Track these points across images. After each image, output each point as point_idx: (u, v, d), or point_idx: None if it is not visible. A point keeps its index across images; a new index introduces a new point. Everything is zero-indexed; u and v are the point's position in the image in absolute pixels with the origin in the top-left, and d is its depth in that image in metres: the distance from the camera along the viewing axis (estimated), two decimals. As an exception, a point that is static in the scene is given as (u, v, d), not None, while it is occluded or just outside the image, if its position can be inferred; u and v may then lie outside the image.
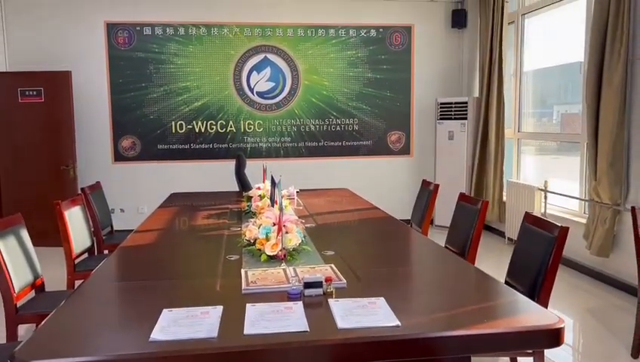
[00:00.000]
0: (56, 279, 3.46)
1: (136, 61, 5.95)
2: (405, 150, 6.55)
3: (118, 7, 5.88)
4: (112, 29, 5.89)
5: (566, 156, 5.46)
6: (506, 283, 2.38)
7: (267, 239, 2.36)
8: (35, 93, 5.51)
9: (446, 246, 3.08)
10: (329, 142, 6.39)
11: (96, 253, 3.71)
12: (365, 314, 1.63)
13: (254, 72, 6.19)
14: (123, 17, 5.89)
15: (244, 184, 4.84)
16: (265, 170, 4.06)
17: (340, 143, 6.42)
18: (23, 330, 3.10)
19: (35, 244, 2.76)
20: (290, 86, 6.27)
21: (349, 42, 6.31)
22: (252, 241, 2.46)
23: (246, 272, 2.10)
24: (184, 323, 1.59)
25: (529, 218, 2.49)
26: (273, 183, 2.95)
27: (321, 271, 2.08)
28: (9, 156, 5.59)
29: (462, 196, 3.24)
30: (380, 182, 6.43)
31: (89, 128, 5.94)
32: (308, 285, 1.81)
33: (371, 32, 6.33)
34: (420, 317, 1.71)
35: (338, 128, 6.39)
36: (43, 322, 1.65)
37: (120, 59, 5.92)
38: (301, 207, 3.71)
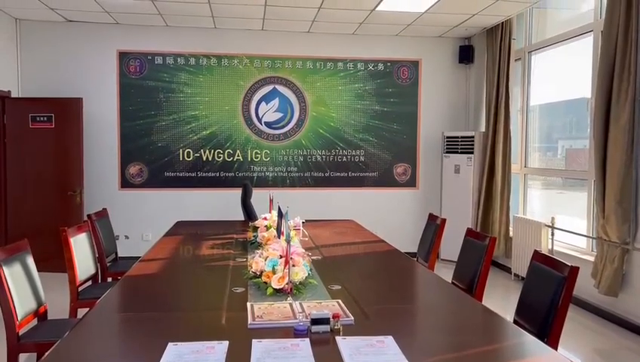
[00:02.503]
0: (58, 306, 3.43)
1: (147, 89, 6.04)
2: (411, 182, 6.56)
3: (131, 36, 6.00)
4: (124, 57, 6.00)
5: (572, 191, 5.45)
6: (515, 322, 2.34)
7: (273, 272, 2.34)
8: (45, 118, 5.58)
9: (453, 282, 3.05)
10: (335, 172, 6.42)
11: (100, 281, 3.69)
12: (374, 354, 1.61)
13: (263, 103, 6.27)
14: (135, 47, 6.01)
15: (250, 213, 4.88)
16: (272, 200, 4.06)
17: (346, 174, 6.44)
18: (24, 359, 3.06)
19: (39, 269, 2.75)
20: (298, 117, 6.33)
21: (356, 75, 6.40)
22: (258, 274, 2.44)
23: (252, 306, 2.08)
24: (189, 358, 1.57)
25: (538, 256, 2.46)
26: (280, 214, 2.94)
27: (328, 306, 2.06)
28: (17, 180, 5.63)
29: (469, 232, 3.22)
30: (386, 214, 6.43)
31: (97, 154, 5.99)
32: (315, 321, 1.79)
33: (379, 66, 6.42)
34: (430, 358, 1.68)
35: (344, 159, 6.43)
36: (46, 354, 1.63)
37: (131, 87, 6.01)
38: (307, 238, 3.70)
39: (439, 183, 6.49)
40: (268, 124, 6.29)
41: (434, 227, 3.74)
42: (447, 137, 6.33)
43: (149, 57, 6.04)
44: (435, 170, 6.55)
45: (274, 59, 6.25)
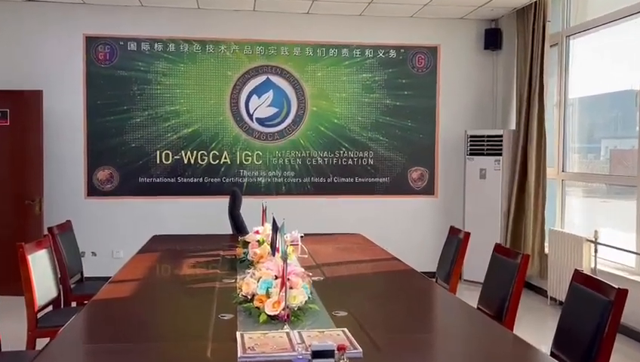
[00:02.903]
0: (13, 335, 3.41)
1: (118, 80, 6.04)
2: (429, 189, 6.56)
3: (100, 18, 5.99)
4: (91, 43, 6.01)
5: (619, 200, 5.44)
6: (552, 354, 2.34)
7: (267, 295, 2.34)
8: (-1, 114, 5.59)
9: (478, 307, 3.05)
10: (339, 178, 6.42)
11: (62, 306, 3.68)
12: (386, 393, 1.60)
13: (254, 96, 6.28)
14: (105, 30, 6.01)
15: (239, 226, 4.86)
16: (265, 210, 4.05)
17: (353, 180, 6.45)
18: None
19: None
20: (296, 112, 6.34)
21: (364, 64, 6.41)
22: (249, 297, 2.44)
23: (242, 335, 2.08)
24: (169, 398, 1.56)
25: (579, 277, 2.46)
26: (275, 227, 2.95)
27: (332, 336, 2.05)
28: (-35, 187, 5.59)
29: (498, 248, 3.22)
30: (399, 227, 6.42)
31: (60, 156, 5.96)
32: (317, 354, 1.78)
33: (391, 53, 6.44)
34: (452, 397, 1.67)
35: (350, 162, 6.44)
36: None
37: (99, 78, 6.02)
38: (306, 256, 3.69)
39: (461, 190, 6.49)
40: (260, 121, 6.31)
41: (456, 242, 3.73)
42: (471, 136, 6.33)
43: (121, 43, 6.04)
44: (456, 174, 6.55)
45: (267, 45, 6.26)
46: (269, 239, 3.27)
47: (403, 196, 6.52)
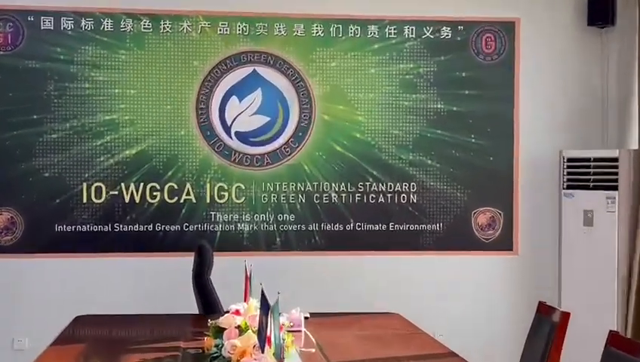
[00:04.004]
0: None
1: (26, 75, 6.04)
2: (504, 242, 6.52)
3: (-1, -19, 6.05)
4: (-15, 19, 6.08)
5: None
6: None
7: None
8: None
9: None
10: (365, 224, 6.39)
11: None
12: None
13: (234, 98, 6.28)
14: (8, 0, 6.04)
15: (208, 301, 4.83)
16: (249, 276, 4.04)
17: (385, 227, 6.42)
18: None
19: None
20: (297, 123, 6.34)
21: (402, 49, 6.40)
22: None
23: None
24: None
25: None
26: (265, 304, 2.93)
27: None
28: None
29: (614, 338, 3.18)
30: (459, 302, 6.36)
31: None
32: None
33: (443, 32, 6.44)
34: None
35: (382, 200, 6.41)
36: None
37: (-3, 72, 6.08)
38: (313, 350, 3.67)
39: (555, 244, 6.44)
40: (243, 137, 6.32)
41: (548, 328, 3.69)
42: (570, 160, 6.31)
43: (30, 18, 6.06)
44: (547, 219, 6.52)
45: (254, 21, 6.27)
46: (256, 323, 3.18)
47: (464, 252, 6.49)
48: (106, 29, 6.16)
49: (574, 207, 6.29)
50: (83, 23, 6.13)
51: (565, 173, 6.34)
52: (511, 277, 6.55)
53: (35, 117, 6.09)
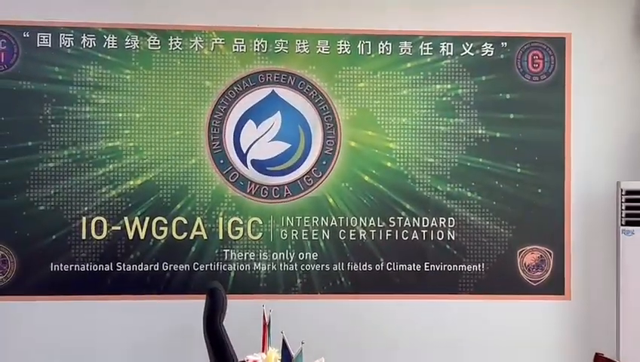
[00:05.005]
0: None
1: (20, 97, 5.93)
2: (555, 285, 6.26)
3: (-7, -5, 6.05)
4: (-22, 35, 6.08)
5: None
6: None
7: None
8: None
9: None
10: (397, 264, 6.17)
11: None
12: None
13: (250, 123, 6.13)
14: (1, 14, 5.99)
15: (221, 351, 4.78)
16: (267, 323, 4.26)
17: (419, 267, 6.20)
18: None
19: None
20: (321, 151, 6.16)
21: (438, 67, 6.22)
22: None
23: None
24: None
25: None
26: (287, 355, 3.07)
27: None
28: None
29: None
30: (502, 352, 6.17)
31: None
32: None
33: (484, 49, 6.24)
34: None
35: (415, 237, 6.20)
36: None
37: (-12, 93, 6.05)
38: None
39: (613, 287, 6.14)
40: (260, 166, 6.13)
41: (607, 383, 3.56)
42: (628, 192, 6.03)
43: (26, 34, 5.94)
44: (603, 259, 6.25)
45: (273, 37, 6.12)
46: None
47: (509, 297, 6.25)
48: (109, 47, 6.06)
49: (634, 246, 6.06)
50: (84, 40, 6.04)
51: (624, 208, 6.10)
52: (562, 324, 6.34)
53: (29, 143, 6.00)
